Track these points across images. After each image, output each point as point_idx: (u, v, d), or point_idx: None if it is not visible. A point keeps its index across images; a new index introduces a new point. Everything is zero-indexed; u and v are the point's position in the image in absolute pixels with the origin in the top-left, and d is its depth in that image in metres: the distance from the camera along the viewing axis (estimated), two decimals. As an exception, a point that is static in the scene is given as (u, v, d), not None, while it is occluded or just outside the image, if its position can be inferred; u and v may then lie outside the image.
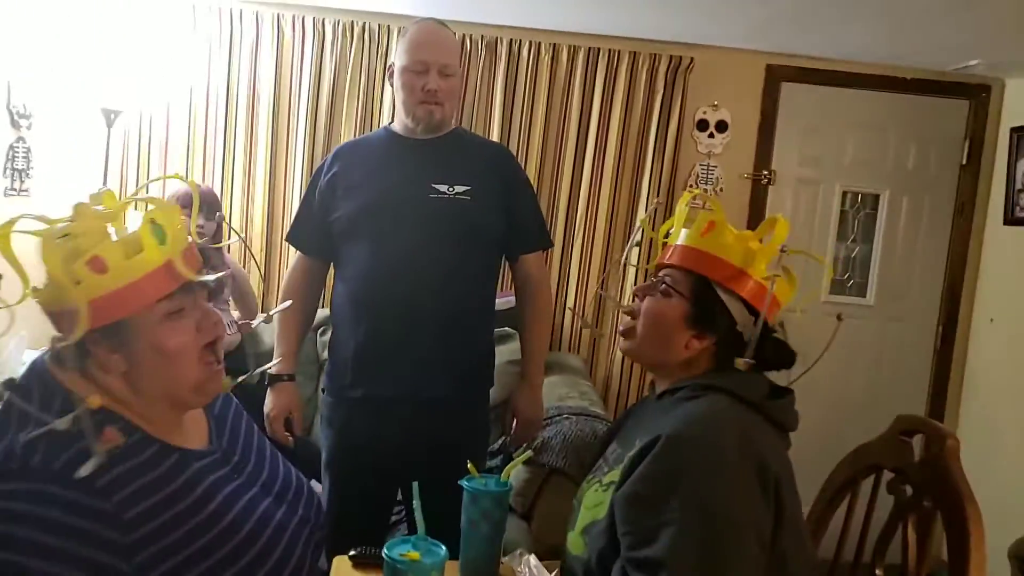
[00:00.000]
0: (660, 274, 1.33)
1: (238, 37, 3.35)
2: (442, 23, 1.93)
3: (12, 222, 0.94)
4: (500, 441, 2.59)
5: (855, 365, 3.65)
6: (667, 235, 1.40)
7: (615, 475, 1.20)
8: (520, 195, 1.98)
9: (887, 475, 1.48)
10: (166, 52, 3.32)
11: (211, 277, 1.10)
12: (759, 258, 1.26)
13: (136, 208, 1.06)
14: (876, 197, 3.64)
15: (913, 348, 3.68)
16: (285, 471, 1.29)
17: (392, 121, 2.00)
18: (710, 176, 3.54)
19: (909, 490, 1.42)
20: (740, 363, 1.22)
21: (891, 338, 3.68)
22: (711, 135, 3.53)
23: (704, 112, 3.52)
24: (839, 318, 1.40)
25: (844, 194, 3.64)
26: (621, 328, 1.36)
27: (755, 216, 3.57)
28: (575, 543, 1.26)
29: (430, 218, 1.84)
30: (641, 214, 3.41)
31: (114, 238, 1.00)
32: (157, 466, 1.01)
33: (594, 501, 1.25)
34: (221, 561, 1.01)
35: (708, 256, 1.26)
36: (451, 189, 1.85)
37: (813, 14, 2.89)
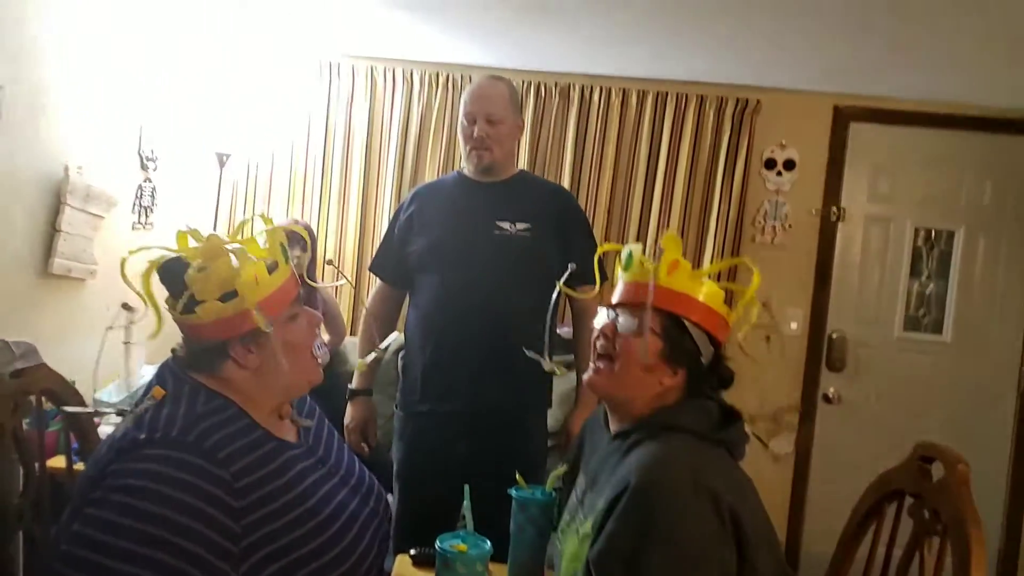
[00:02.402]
0: (626, 311, 1.33)
1: (336, 87, 3.70)
2: (497, 77, 2.17)
3: (153, 264, 1.20)
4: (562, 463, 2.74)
5: (932, 403, 3.63)
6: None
7: (588, 527, 1.25)
8: (576, 231, 2.17)
9: (909, 501, 1.51)
10: (272, 101, 3.71)
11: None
12: (718, 291, 1.33)
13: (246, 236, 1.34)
14: (951, 234, 3.64)
15: (994, 387, 3.62)
16: (360, 469, 1.48)
17: (464, 165, 2.23)
18: (778, 212, 3.63)
19: (927, 514, 1.47)
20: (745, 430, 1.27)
21: (970, 376, 3.64)
22: (779, 173, 3.63)
23: (772, 151, 3.62)
24: (768, 339, 1.45)
25: (916, 231, 3.66)
26: (594, 363, 1.36)
27: (824, 252, 3.64)
28: None
29: (493, 252, 2.04)
30: (709, 251, 3.53)
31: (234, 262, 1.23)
32: (261, 447, 1.20)
33: (573, 553, 1.29)
34: (304, 535, 1.19)
35: (677, 294, 1.29)
36: (513, 226, 2.06)
37: (879, 59, 3.00)
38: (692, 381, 1.31)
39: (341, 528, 1.27)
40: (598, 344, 1.36)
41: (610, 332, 1.34)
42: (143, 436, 1.11)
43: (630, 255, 1.36)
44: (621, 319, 1.33)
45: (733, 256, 3.54)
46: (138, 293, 1.21)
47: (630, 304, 1.33)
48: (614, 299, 1.38)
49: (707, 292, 1.31)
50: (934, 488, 1.43)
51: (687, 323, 1.29)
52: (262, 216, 1.36)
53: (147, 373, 2.86)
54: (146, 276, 1.19)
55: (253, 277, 1.19)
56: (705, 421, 1.27)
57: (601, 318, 1.38)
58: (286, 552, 1.15)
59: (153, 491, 1.05)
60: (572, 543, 1.31)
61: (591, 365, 1.37)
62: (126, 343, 1.24)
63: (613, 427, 1.36)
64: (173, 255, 1.21)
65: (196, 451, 1.10)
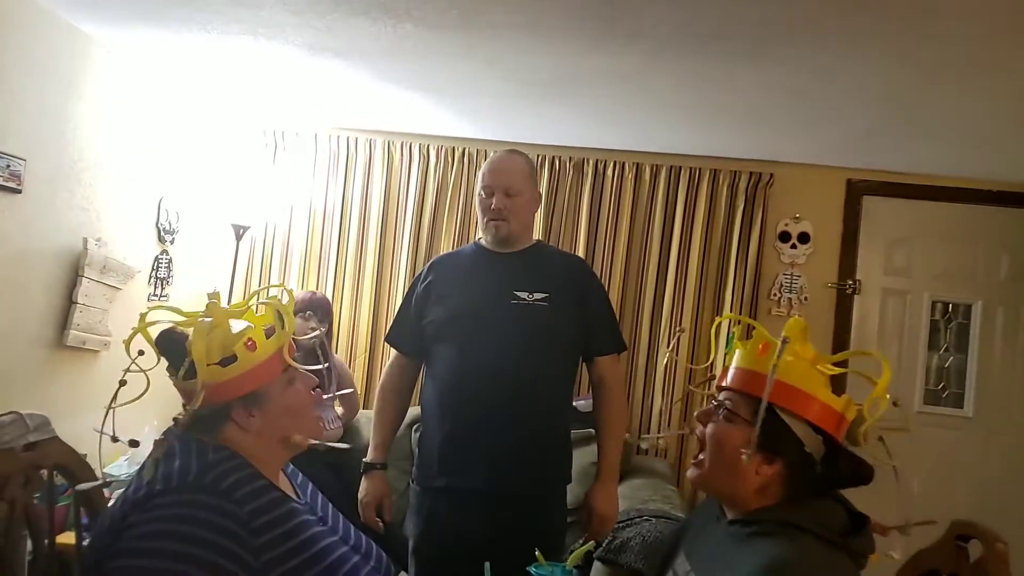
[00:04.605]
0: (720, 397, 1.28)
1: (353, 160, 3.77)
2: (515, 151, 2.19)
3: (146, 325, 1.27)
4: (582, 539, 2.66)
5: (958, 480, 3.54)
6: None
7: None
8: (594, 301, 2.15)
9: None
10: (290, 173, 3.77)
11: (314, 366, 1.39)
12: (820, 376, 1.22)
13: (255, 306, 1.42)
14: (968, 307, 3.62)
15: (1021, 461, 3.52)
16: (356, 531, 1.50)
17: (482, 236, 2.24)
18: (794, 285, 3.62)
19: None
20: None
21: (995, 451, 3.56)
22: (793, 246, 3.63)
23: (786, 224, 3.64)
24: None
25: (934, 304, 3.64)
26: (694, 456, 1.30)
27: (841, 325, 3.61)
28: None
29: (510, 322, 2.02)
30: (725, 324, 3.51)
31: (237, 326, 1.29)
32: (269, 494, 1.25)
33: None
34: None
35: (764, 378, 1.20)
36: (530, 296, 2.05)
37: (885, 132, 3.03)
38: (795, 472, 1.20)
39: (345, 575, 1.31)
40: (696, 431, 1.32)
41: (703, 419, 1.29)
42: (158, 487, 1.15)
43: (731, 336, 1.32)
44: (717, 404, 1.28)
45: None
46: (136, 364, 1.26)
47: (728, 389, 1.28)
48: (719, 383, 1.33)
49: (811, 378, 1.21)
50: (972, 568, 1.41)
51: (780, 411, 1.20)
52: (281, 285, 1.45)
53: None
54: (142, 328, 1.26)
55: (251, 341, 1.26)
56: (832, 524, 1.17)
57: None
58: None
59: (175, 532, 1.11)
60: None
61: (692, 461, 1.31)
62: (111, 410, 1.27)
63: (729, 513, 1.28)
64: (169, 326, 1.28)
65: (213, 492, 1.16)
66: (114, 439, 1.25)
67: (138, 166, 3.05)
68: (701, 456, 1.28)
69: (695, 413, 1.32)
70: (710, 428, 1.26)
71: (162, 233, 3.25)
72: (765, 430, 1.19)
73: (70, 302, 2.71)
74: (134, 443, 1.27)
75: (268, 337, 1.29)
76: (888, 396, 1.27)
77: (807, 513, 1.17)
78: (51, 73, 2.57)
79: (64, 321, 2.71)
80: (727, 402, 1.25)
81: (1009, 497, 3.48)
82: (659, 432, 3.53)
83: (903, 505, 1.23)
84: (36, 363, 2.64)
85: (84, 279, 2.73)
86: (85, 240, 2.74)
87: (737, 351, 1.30)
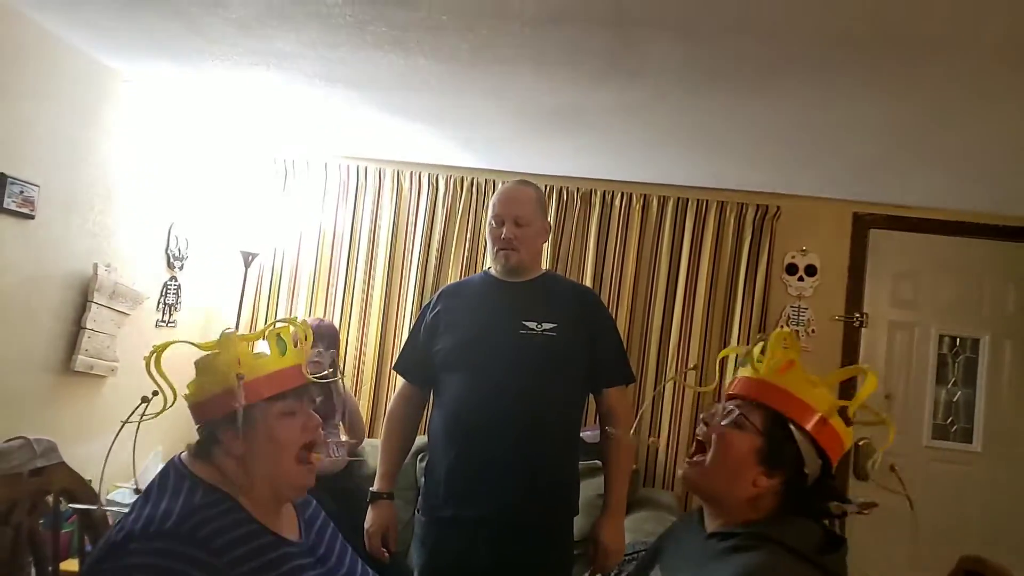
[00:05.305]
0: (730, 404, 1.28)
1: (363, 189, 3.80)
2: (525, 182, 2.21)
3: (165, 345, 1.31)
4: (588, 573, 2.63)
5: (967, 515, 3.50)
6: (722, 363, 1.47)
7: None
8: (603, 332, 2.15)
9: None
10: (300, 201, 3.80)
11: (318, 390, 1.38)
12: (834, 405, 1.23)
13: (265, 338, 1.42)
14: (976, 341, 3.60)
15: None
16: (363, 566, 1.49)
17: (491, 266, 2.25)
18: (801, 318, 3.62)
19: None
20: (834, 507, 1.19)
21: (1004, 487, 3.51)
22: (801, 278, 3.64)
23: (793, 256, 3.65)
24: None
25: (941, 337, 3.63)
26: (689, 456, 1.30)
27: (848, 357, 3.60)
28: None
29: (519, 352, 2.03)
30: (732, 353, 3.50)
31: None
32: (256, 539, 1.23)
33: None
34: None
35: (786, 393, 1.22)
36: (539, 326, 2.05)
37: (889, 165, 3.05)
38: (790, 490, 1.22)
39: None
40: (697, 431, 1.32)
41: (709, 419, 1.29)
42: (138, 531, 1.14)
43: (749, 352, 1.33)
44: (728, 409, 1.28)
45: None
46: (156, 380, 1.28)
47: (740, 397, 1.28)
48: (729, 391, 1.34)
49: (827, 403, 1.23)
50: (981, 604, 1.40)
51: (793, 427, 1.22)
52: (293, 320, 1.43)
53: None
54: (158, 357, 1.29)
55: (235, 359, 1.26)
56: (809, 542, 1.17)
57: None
58: None
59: None
60: None
61: (686, 460, 1.31)
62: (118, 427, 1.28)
63: (709, 525, 1.29)
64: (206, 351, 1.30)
65: (190, 542, 1.14)
66: (137, 491, 1.27)
67: (149, 193, 3.09)
68: (699, 457, 1.27)
69: (701, 416, 1.33)
70: (717, 431, 1.26)
71: (171, 259, 3.27)
72: (772, 442, 1.21)
73: (79, 327, 2.73)
74: (138, 491, 1.27)
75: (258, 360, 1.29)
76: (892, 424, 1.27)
77: (784, 529, 1.18)
78: (66, 101, 2.61)
79: (72, 346, 2.72)
80: (738, 409, 1.25)
81: (1018, 533, 3.43)
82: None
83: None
84: (44, 388, 2.64)
85: (93, 304, 2.74)
86: (95, 265, 2.76)
87: (751, 362, 1.31)
